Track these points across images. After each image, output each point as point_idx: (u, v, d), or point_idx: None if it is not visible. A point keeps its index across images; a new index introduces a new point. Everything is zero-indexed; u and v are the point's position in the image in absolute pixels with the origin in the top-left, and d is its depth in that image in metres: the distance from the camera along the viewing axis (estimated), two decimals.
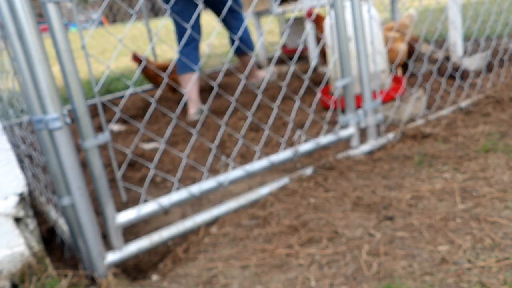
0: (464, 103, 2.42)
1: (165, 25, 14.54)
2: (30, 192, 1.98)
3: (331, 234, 1.42)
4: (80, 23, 1.27)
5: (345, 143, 2.17)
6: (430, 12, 2.43)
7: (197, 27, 3.26)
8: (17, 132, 2.24)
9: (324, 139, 1.96)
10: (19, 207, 1.39)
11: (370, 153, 2.03)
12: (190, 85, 1.69)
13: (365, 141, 2.08)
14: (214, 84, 1.71)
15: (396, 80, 2.83)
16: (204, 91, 4.04)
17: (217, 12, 3.43)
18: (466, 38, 3.79)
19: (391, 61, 3.01)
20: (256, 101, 1.95)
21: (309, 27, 3.82)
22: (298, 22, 4.94)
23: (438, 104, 2.55)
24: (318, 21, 3.27)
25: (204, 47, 7.69)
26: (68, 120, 1.29)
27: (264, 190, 1.74)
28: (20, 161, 2.00)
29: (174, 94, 3.94)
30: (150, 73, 3.84)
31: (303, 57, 4.77)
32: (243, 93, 3.59)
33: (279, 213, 1.59)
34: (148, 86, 4.77)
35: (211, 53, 6.40)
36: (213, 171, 2.18)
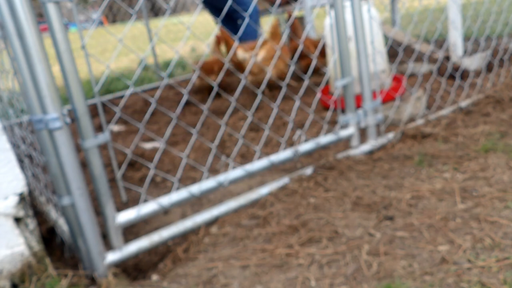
0: (464, 103, 2.42)
1: (165, 25, 14.54)
2: (30, 192, 1.98)
3: (331, 234, 1.42)
4: (80, 23, 1.26)
5: (345, 143, 2.17)
6: (430, 12, 2.42)
7: None
8: (17, 132, 2.24)
9: (324, 139, 1.96)
10: (19, 207, 1.39)
11: (370, 153, 2.02)
12: None
13: (365, 141, 2.08)
14: (214, 84, 1.71)
15: (396, 80, 2.83)
16: (204, 91, 4.04)
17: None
18: (466, 38, 3.79)
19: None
20: (256, 101, 1.95)
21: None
22: (298, 22, 4.94)
23: (438, 104, 2.55)
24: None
25: (204, 47, 7.69)
26: (68, 120, 1.29)
27: (264, 190, 1.74)
28: (20, 161, 2.00)
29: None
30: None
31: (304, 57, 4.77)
32: (243, 93, 3.59)
33: (279, 213, 1.59)
34: (147, 86, 4.77)
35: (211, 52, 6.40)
36: (213, 171, 2.18)
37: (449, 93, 2.70)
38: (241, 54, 3.28)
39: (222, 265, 1.36)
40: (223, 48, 3.86)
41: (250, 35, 3.99)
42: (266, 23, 5.68)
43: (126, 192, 2.10)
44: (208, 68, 3.58)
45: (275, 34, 3.44)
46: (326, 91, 2.96)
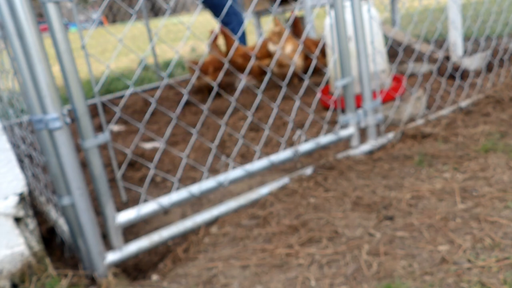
0: (464, 103, 2.42)
1: (165, 25, 14.54)
2: (30, 192, 1.98)
3: (331, 234, 1.42)
4: (80, 23, 1.27)
5: (345, 143, 2.17)
6: (430, 12, 2.42)
7: None
8: (17, 132, 2.24)
9: (324, 139, 1.96)
10: (19, 207, 1.39)
11: (370, 153, 2.02)
12: None
13: (365, 141, 2.08)
14: (214, 84, 1.71)
15: (396, 80, 2.83)
16: (203, 91, 4.04)
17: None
18: (466, 38, 3.79)
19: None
20: (256, 101, 1.95)
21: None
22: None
23: (438, 104, 2.55)
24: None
25: (203, 47, 7.69)
26: (68, 120, 1.29)
27: (264, 190, 1.74)
28: (20, 161, 2.00)
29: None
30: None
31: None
32: (243, 93, 3.59)
33: (279, 213, 1.59)
34: (147, 86, 4.77)
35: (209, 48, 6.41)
36: (213, 171, 2.18)
37: (449, 93, 2.70)
38: (272, 46, 3.41)
39: (222, 265, 1.36)
40: (222, 45, 3.87)
41: (240, 39, 4.11)
42: (266, 23, 5.68)
43: (126, 192, 2.10)
44: (203, 69, 3.59)
45: (297, 29, 3.70)
46: (326, 91, 2.96)
